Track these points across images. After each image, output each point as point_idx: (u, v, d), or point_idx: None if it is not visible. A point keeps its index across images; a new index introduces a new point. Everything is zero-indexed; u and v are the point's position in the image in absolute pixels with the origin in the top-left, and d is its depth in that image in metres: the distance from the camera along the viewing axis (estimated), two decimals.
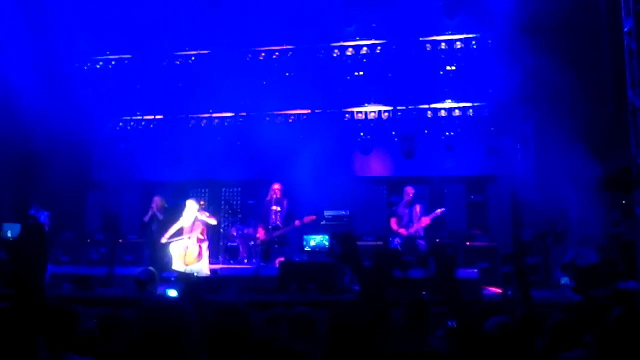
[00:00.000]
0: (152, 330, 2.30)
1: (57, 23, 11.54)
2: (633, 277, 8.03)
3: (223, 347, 2.55)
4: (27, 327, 2.93)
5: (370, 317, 2.50)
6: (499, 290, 8.62)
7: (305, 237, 9.67)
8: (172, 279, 9.35)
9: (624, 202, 9.27)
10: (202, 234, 9.30)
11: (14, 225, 7.45)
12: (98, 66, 12.37)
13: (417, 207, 9.30)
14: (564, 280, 8.63)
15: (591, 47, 9.66)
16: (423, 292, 7.96)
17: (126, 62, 12.35)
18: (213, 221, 9.54)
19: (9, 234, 7.47)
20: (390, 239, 9.39)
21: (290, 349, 2.34)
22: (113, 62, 12.38)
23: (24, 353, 2.74)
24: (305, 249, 9.52)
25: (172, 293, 7.87)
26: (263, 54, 11.90)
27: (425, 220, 9.10)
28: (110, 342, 3.39)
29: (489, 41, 10.97)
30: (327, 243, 9.40)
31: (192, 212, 9.41)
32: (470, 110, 11.11)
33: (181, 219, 9.44)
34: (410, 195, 9.40)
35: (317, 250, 9.31)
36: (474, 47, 11.12)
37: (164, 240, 9.23)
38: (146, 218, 10.21)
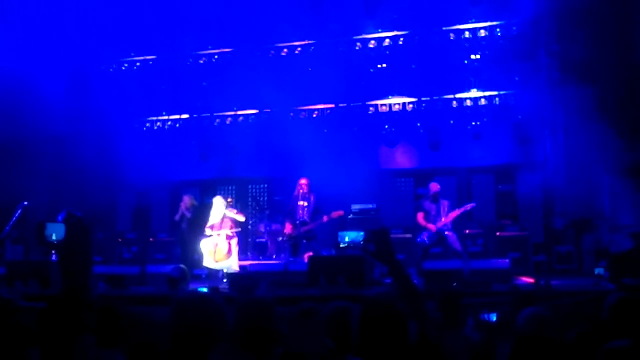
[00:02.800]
0: (186, 324, 2.33)
1: (82, 26, 11.71)
2: None
3: (250, 340, 2.58)
4: (73, 326, 2.98)
5: (405, 309, 2.49)
6: (531, 280, 8.52)
7: (340, 233, 9.67)
8: (203, 276, 9.51)
9: None
10: (231, 230, 9.39)
11: (57, 226, 7.41)
12: (123, 67, 12.53)
13: (445, 202, 9.14)
14: (598, 270, 8.46)
15: (620, 29, 9.43)
16: (454, 284, 7.91)
17: (151, 62, 12.48)
18: (241, 218, 9.61)
19: (53, 237, 7.46)
20: (418, 233, 9.31)
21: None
22: (138, 64, 12.53)
23: (66, 352, 2.80)
24: (341, 245, 9.51)
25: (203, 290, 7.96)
26: (285, 50, 11.92)
27: (454, 215, 8.97)
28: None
29: (514, 28, 10.79)
30: (361, 239, 9.37)
31: (220, 209, 9.49)
32: (497, 99, 10.97)
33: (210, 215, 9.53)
34: (436, 190, 9.21)
35: (353, 246, 9.29)
36: (499, 34, 10.95)
37: (207, 232, 9.36)
38: (177, 217, 10.33)
